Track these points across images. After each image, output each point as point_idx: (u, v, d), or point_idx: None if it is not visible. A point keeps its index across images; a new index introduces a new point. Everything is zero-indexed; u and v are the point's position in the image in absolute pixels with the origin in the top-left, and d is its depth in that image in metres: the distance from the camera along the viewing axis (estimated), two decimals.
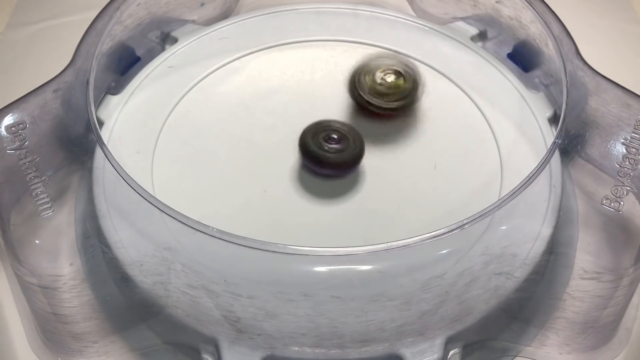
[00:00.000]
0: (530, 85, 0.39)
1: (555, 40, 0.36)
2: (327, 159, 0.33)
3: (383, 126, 0.37)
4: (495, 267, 0.31)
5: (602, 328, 0.33)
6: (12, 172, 0.32)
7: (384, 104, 0.35)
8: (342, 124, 0.35)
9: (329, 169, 0.34)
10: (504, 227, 0.32)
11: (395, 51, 0.40)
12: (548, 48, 0.37)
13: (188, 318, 0.30)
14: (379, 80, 0.35)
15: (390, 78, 0.35)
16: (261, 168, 0.35)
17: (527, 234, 0.32)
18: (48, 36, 0.47)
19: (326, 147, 0.33)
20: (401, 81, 0.36)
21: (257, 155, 0.36)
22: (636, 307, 0.34)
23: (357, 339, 0.30)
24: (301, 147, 0.34)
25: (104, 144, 0.32)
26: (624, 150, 0.33)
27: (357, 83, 0.36)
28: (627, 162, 0.33)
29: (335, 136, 0.34)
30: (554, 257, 0.33)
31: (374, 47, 0.41)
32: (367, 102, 0.36)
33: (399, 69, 0.36)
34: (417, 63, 0.40)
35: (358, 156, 0.34)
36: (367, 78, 0.36)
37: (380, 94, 0.35)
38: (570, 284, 0.33)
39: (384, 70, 0.36)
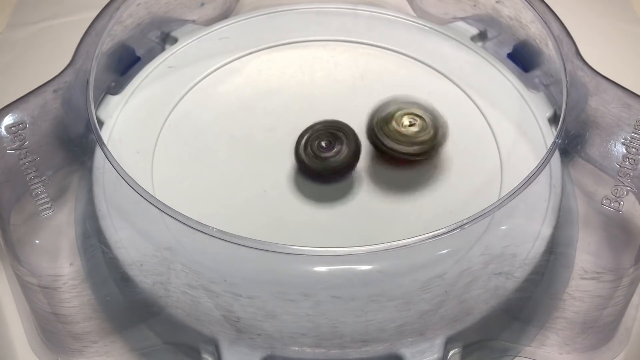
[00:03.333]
0: (530, 85, 0.39)
1: (555, 40, 0.36)
2: (323, 168, 0.33)
3: None
4: (495, 267, 0.31)
5: (602, 328, 0.33)
6: (12, 172, 0.32)
7: (404, 155, 0.34)
8: (332, 123, 0.34)
9: (328, 176, 0.34)
10: (504, 227, 0.32)
11: (395, 51, 0.40)
12: (548, 48, 0.37)
13: (188, 318, 0.30)
14: (399, 127, 0.34)
15: (413, 127, 0.34)
16: (261, 168, 0.35)
17: (527, 234, 0.32)
18: (48, 36, 0.47)
19: (321, 155, 0.33)
20: (422, 130, 0.34)
21: (257, 156, 0.36)
22: (636, 307, 0.34)
23: (357, 339, 0.30)
24: (297, 160, 0.34)
25: (104, 144, 0.32)
26: (624, 150, 0.33)
27: (378, 130, 0.34)
28: (627, 162, 0.33)
29: (325, 143, 0.33)
30: (554, 257, 0.33)
31: (374, 47, 0.41)
32: (390, 149, 0.34)
33: (422, 116, 0.34)
34: (417, 63, 0.40)
35: (354, 157, 0.34)
36: (387, 125, 0.34)
37: (400, 142, 0.33)
38: (570, 284, 0.33)
39: (406, 115, 0.34)
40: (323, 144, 0.33)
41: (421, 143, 0.34)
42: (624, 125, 0.33)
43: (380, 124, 0.34)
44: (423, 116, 0.34)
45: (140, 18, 0.40)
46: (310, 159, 0.33)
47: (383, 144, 0.34)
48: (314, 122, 0.34)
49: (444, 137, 0.34)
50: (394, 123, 0.34)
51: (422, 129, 0.34)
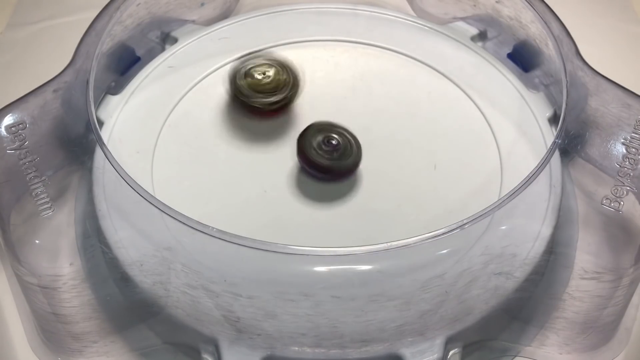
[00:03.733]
0: (530, 85, 0.39)
1: (555, 40, 0.36)
2: (328, 166, 0.33)
3: (382, 126, 0.37)
4: (495, 267, 0.31)
5: (602, 328, 0.33)
6: (12, 172, 0.32)
7: (268, 106, 0.36)
8: (339, 127, 0.34)
9: (330, 175, 0.34)
10: (504, 227, 0.32)
11: (395, 51, 0.40)
12: (548, 48, 0.37)
13: (188, 318, 0.30)
14: (258, 80, 0.36)
15: (269, 72, 0.36)
16: (261, 168, 0.35)
17: (527, 234, 0.32)
18: (48, 36, 0.47)
19: (325, 154, 0.33)
20: (280, 75, 0.36)
21: (257, 156, 0.36)
22: (636, 307, 0.34)
23: (357, 339, 0.30)
24: (299, 152, 0.34)
25: (104, 144, 0.32)
26: (624, 150, 0.33)
27: (238, 85, 0.36)
28: (627, 162, 0.33)
29: (334, 141, 0.33)
30: (554, 257, 0.33)
31: (374, 47, 0.41)
32: (251, 103, 0.36)
33: (274, 64, 0.36)
34: (417, 63, 0.40)
35: (357, 161, 0.34)
36: (247, 80, 0.36)
37: (261, 92, 0.35)
38: (570, 284, 0.33)
39: (261, 70, 0.36)
40: (333, 141, 0.33)
41: (281, 92, 0.36)
42: (624, 125, 0.33)
43: (239, 79, 0.36)
44: (277, 66, 0.36)
45: (140, 18, 0.40)
46: (315, 154, 0.33)
47: (244, 95, 0.36)
48: (315, 121, 0.34)
49: (302, 85, 0.36)
50: (249, 78, 0.36)
51: (280, 79, 0.36)
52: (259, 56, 0.37)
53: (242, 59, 0.37)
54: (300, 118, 0.37)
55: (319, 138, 0.33)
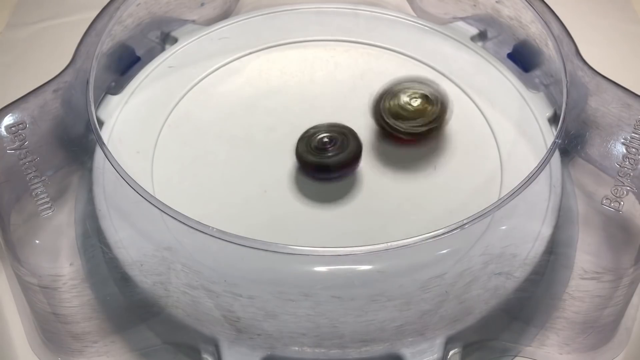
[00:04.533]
0: (530, 85, 0.39)
1: (555, 40, 0.36)
2: (327, 164, 0.33)
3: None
4: (495, 267, 0.31)
5: (602, 328, 0.33)
6: (12, 172, 0.32)
7: (410, 129, 0.34)
8: (332, 125, 0.34)
9: (332, 172, 0.34)
10: (504, 227, 0.32)
11: (395, 51, 0.40)
12: (548, 48, 0.37)
13: (188, 318, 0.30)
14: (403, 104, 0.34)
15: (417, 102, 0.34)
16: (261, 168, 0.35)
17: (527, 234, 0.32)
18: (48, 36, 0.47)
19: (321, 152, 0.33)
20: (428, 105, 0.34)
21: (257, 156, 0.36)
22: (636, 307, 0.34)
23: (357, 339, 0.30)
24: (299, 159, 0.34)
25: (104, 144, 0.32)
26: (624, 150, 0.33)
27: (382, 107, 0.34)
28: (627, 162, 0.33)
29: (328, 139, 0.33)
30: (554, 257, 0.33)
31: (374, 47, 0.41)
32: (392, 127, 0.34)
33: (425, 93, 0.35)
34: (417, 63, 0.40)
35: (357, 153, 0.34)
36: (392, 102, 0.34)
37: (405, 118, 0.34)
38: (570, 284, 0.33)
39: (410, 95, 0.34)
40: (325, 139, 0.33)
41: (426, 122, 0.34)
42: (624, 125, 0.33)
43: (384, 102, 0.34)
44: (429, 94, 0.34)
45: (140, 18, 0.40)
46: (310, 153, 0.33)
47: (388, 123, 0.34)
48: (315, 122, 0.34)
49: (449, 115, 0.34)
50: (398, 101, 0.34)
51: (427, 108, 0.34)
52: (413, 80, 0.35)
53: (397, 80, 0.35)
54: (300, 118, 0.37)
55: (314, 140, 0.33)
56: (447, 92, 0.35)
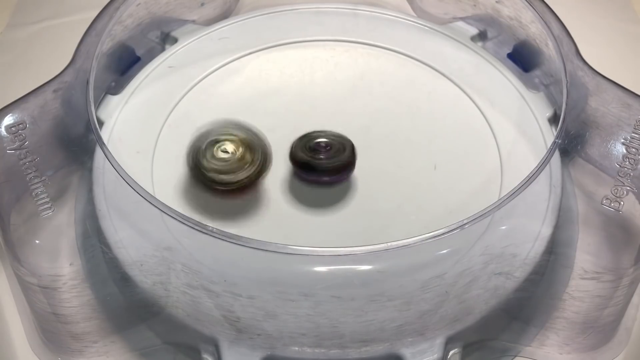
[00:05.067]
0: (530, 85, 0.39)
1: (555, 40, 0.36)
2: (320, 165, 0.32)
3: (382, 126, 0.37)
4: (495, 267, 0.31)
5: (602, 328, 0.33)
6: (12, 172, 0.32)
7: (231, 178, 0.32)
8: (335, 134, 0.33)
9: (317, 174, 0.33)
10: (504, 227, 0.32)
11: (395, 51, 0.40)
12: (548, 48, 0.37)
13: (188, 318, 0.30)
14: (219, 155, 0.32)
15: (230, 149, 0.32)
16: None
17: (527, 234, 0.32)
18: (48, 36, 0.47)
19: (317, 156, 0.32)
20: (246, 152, 0.32)
21: None
22: (636, 307, 0.34)
23: (357, 339, 0.30)
24: (291, 154, 0.33)
25: (104, 144, 0.32)
26: (624, 150, 0.33)
27: (199, 161, 0.32)
28: (627, 162, 0.33)
29: (325, 144, 0.33)
30: (554, 257, 0.33)
31: (373, 47, 0.41)
32: (212, 180, 0.32)
33: (236, 139, 0.32)
34: (417, 63, 0.40)
35: (347, 163, 0.33)
36: (207, 154, 0.32)
37: (223, 171, 0.32)
38: (570, 284, 0.33)
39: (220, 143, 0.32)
40: (322, 143, 0.33)
41: (241, 169, 0.32)
42: (624, 125, 0.33)
43: (199, 156, 0.32)
44: (240, 140, 0.32)
45: (140, 18, 0.40)
46: (302, 151, 0.32)
47: (206, 175, 0.32)
48: (315, 121, 0.34)
49: (267, 159, 0.32)
50: (212, 152, 0.32)
51: (239, 155, 0.32)
52: (225, 126, 0.33)
53: (206, 128, 0.33)
54: (300, 118, 0.37)
55: (312, 141, 0.33)
56: (261, 135, 0.33)
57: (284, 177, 0.34)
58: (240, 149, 0.32)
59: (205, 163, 0.32)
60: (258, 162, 0.32)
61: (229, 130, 0.33)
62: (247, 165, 0.32)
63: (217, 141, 0.32)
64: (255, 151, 0.32)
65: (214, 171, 0.32)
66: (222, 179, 0.32)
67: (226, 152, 0.32)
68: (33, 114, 0.33)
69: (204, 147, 0.32)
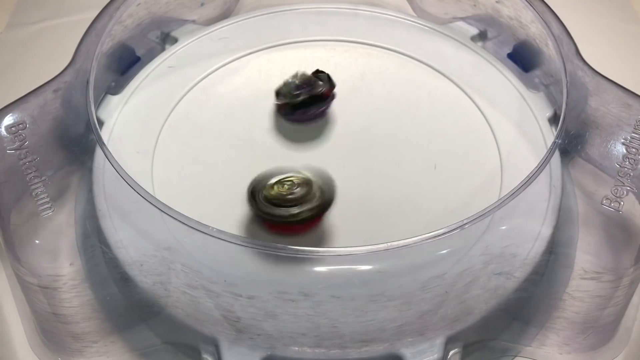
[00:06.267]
0: (530, 85, 0.39)
1: (555, 40, 0.36)
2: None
3: (383, 126, 0.37)
4: (495, 267, 0.31)
5: (602, 328, 0.33)
6: (12, 172, 0.32)
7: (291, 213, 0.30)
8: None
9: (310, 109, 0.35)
10: (504, 227, 0.32)
11: (395, 51, 0.40)
12: (548, 48, 0.37)
13: (188, 318, 0.30)
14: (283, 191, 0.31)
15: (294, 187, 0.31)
16: (261, 168, 0.35)
17: (527, 234, 0.32)
18: (48, 36, 0.47)
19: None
20: (304, 189, 0.31)
21: (257, 156, 0.36)
22: (636, 307, 0.34)
23: (357, 339, 0.30)
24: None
25: (104, 144, 0.32)
26: (624, 150, 0.33)
27: (258, 197, 0.31)
28: (627, 162, 0.33)
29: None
30: (554, 257, 0.33)
31: (374, 47, 0.41)
32: (271, 214, 0.30)
33: (299, 178, 0.31)
34: (417, 63, 0.40)
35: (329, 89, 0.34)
36: (269, 190, 0.31)
37: (284, 204, 0.30)
38: (570, 284, 0.33)
39: (282, 182, 0.31)
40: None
41: (305, 203, 0.30)
42: (624, 125, 0.33)
43: (259, 191, 0.31)
44: (303, 178, 0.31)
45: (140, 18, 0.40)
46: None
47: (260, 209, 0.31)
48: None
49: (331, 194, 0.31)
50: (272, 189, 0.31)
51: (303, 190, 0.31)
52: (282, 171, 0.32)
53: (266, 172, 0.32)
54: None
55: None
56: (326, 174, 0.32)
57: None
58: (302, 186, 0.31)
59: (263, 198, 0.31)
60: (315, 199, 0.31)
61: (300, 170, 0.32)
62: (306, 201, 0.30)
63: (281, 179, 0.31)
64: (314, 189, 0.31)
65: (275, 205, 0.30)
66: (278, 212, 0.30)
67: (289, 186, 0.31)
68: (33, 114, 0.33)
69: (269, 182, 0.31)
